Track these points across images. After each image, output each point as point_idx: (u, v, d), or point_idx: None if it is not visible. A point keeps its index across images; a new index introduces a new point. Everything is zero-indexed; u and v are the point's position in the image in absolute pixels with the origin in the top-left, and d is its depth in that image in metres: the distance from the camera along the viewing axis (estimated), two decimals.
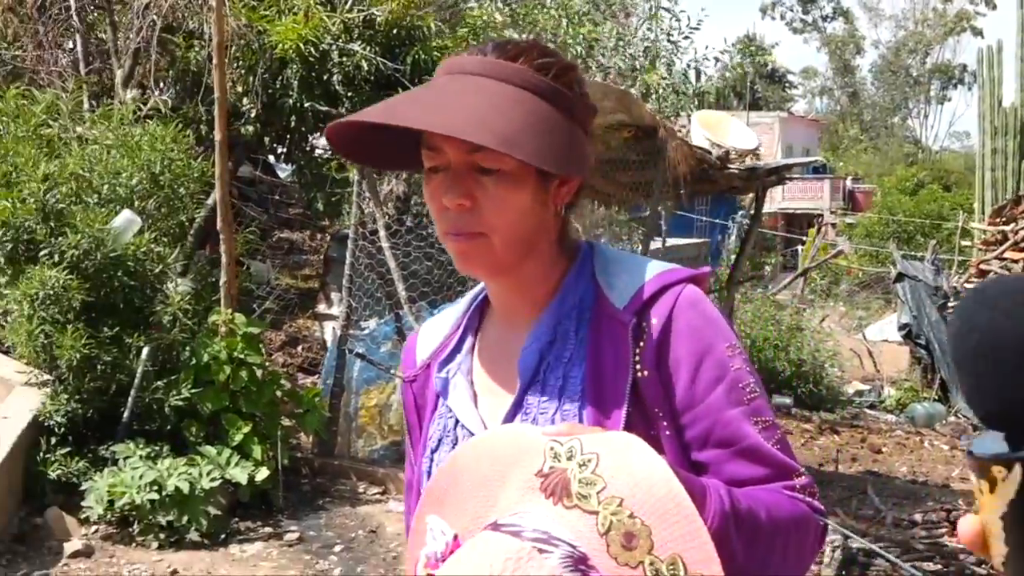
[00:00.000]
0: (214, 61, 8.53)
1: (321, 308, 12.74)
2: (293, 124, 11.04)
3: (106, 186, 8.46)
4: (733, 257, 14.35)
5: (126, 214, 8.14)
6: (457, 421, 1.92)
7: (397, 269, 8.62)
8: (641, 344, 1.78)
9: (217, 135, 8.32)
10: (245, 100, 10.89)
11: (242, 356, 8.04)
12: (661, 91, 12.99)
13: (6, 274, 7.61)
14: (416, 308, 8.92)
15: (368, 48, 10.54)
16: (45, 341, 7.39)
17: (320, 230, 15.40)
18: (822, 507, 1.82)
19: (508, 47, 1.81)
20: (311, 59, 10.40)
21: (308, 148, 12.31)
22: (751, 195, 11.67)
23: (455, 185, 1.74)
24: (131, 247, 7.90)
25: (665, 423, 1.77)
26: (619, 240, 13.45)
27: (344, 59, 10.50)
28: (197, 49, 11.03)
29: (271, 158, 14.19)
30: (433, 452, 1.94)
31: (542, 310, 1.88)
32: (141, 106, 10.45)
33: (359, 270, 9.27)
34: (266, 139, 11.75)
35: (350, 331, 9.34)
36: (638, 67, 13.21)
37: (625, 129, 7.42)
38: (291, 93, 10.70)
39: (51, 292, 7.31)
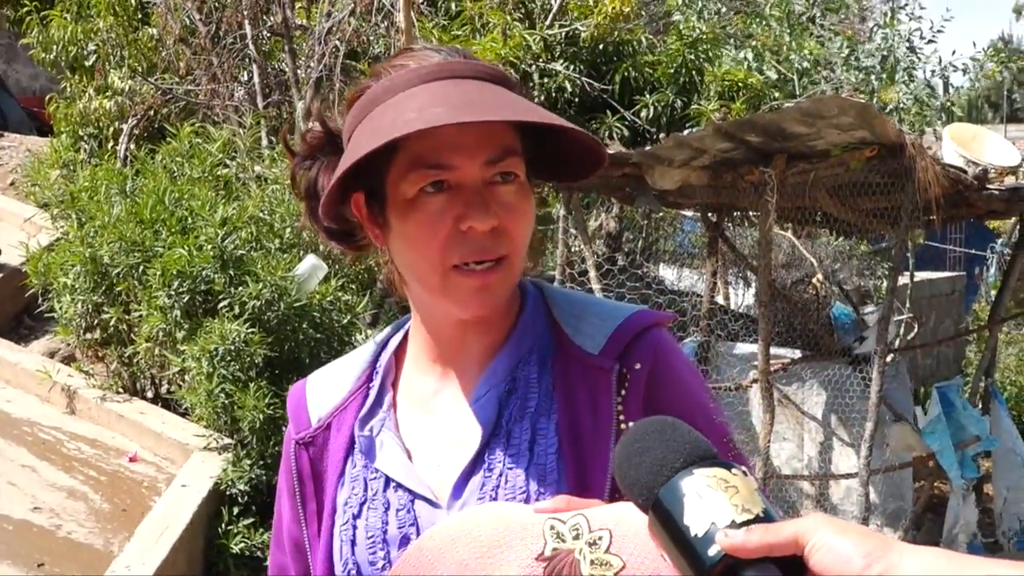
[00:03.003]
0: None
1: None
2: None
3: (288, 229, 8.57)
4: (994, 293, 13.92)
5: (310, 259, 8.23)
6: (388, 482, 1.86)
7: None
8: (622, 393, 1.79)
9: None
10: None
11: None
12: (902, 105, 12.71)
13: (183, 328, 7.74)
14: None
15: (572, 67, 10.54)
16: (226, 401, 7.42)
17: (522, 273, 15.48)
18: None
19: (463, 52, 1.82)
20: None
21: None
22: (1011, 222, 11.28)
23: (482, 203, 1.70)
24: (316, 296, 7.96)
25: None
26: (861, 275, 13.19)
27: (546, 80, 10.50)
28: None
29: None
30: (355, 518, 1.88)
31: (493, 354, 1.87)
32: None
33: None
34: None
35: None
36: (873, 83, 12.95)
37: (867, 148, 7.25)
38: None
39: (232, 347, 7.36)
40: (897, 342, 10.88)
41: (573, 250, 9.19)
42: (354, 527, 1.88)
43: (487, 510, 1.62)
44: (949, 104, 14.16)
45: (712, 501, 1.24)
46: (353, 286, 8.72)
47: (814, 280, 10.72)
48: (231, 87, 11.95)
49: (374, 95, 1.76)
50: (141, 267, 8.08)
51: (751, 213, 9.36)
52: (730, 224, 10.20)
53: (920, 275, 15.08)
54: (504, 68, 8.64)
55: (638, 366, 1.79)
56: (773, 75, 11.17)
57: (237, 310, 7.57)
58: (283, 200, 8.81)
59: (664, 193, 8.24)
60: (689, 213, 11.65)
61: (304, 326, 7.81)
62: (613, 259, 10.55)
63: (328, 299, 8.02)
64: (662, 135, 9.88)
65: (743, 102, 10.07)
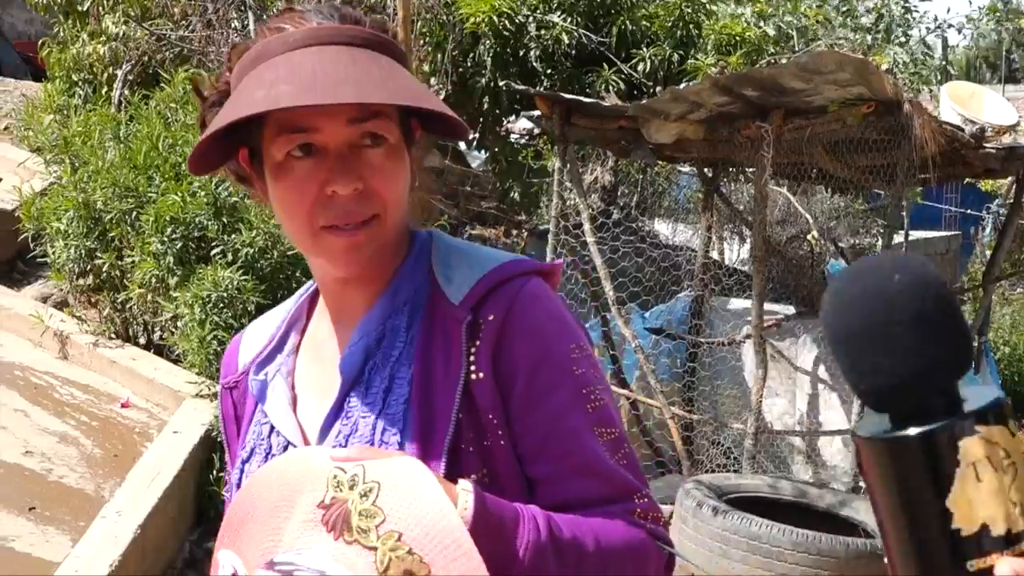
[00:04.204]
0: (399, 37, 8.55)
1: None
2: (486, 106, 11.06)
3: None
4: (988, 252, 13.92)
5: None
6: (272, 428, 1.91)
7: (604, 267, 8.54)
8: (476, 343, 1.77)
9: None
10: (433, 80, 10.94)
11: None
12: (899, 65, 12.67)
13: (176, 275, 7.73)
14: (625, 310, 8.84)
15: (569, 19, 10.50)
16: (218, 348, 7.38)
17: (516, 225, 15.44)
18: (666, 534, 1.77)
19: (343, 12, 1.81)
20: (506, 33, 10.39)
21: (503, 133, 12.32)
22: (1007, 181, 11.25)
23: (345, 167, 1.72)
24: None
25: (500, 432, 1.75)
26: (856, 233, 13.18)
27: (542, 32, 10.47)
28: None
29: (462, 145, 14.28)
30: (244, 463, 1.94)
31: (373, 304, 1.89)
32: None
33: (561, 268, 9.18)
34: None
35: None
36: (869, 42, 12.91)
37: (864, 104, 7.23)
38: (484, 72, 10.72)
39: (224, 294, 7.36)
40: None
41: (568, 203, 9.15)
42: (242, 471, 1.94)
43: (300, 454, 1.67)
44: (945, 64, 14.12)
45: (990, 490, 0.95)
46: None
47: (809, 237, 10.71)
48: (226, 33, 11.88)
49: (248, 60, 1.79)
50: (134, 213, 8.07)
51: (747, 169, 9.35)
52: (726, 179, 10.19)
53: (916, 234, 15.10)
54: (499, 21, 8.57)
55: (491, 316, 1.78)
56: (771, 31, 11.14)
57: (230, 257, 7.56)
58: None
59: (660, 147, 8.22)
60: (685, 168, 11.64)
61: (297, 274, 7.80)
62: (608, 212, 10.53)
63: None
64: (659, 89, 9.85)
65: (741, 57, 10.04)
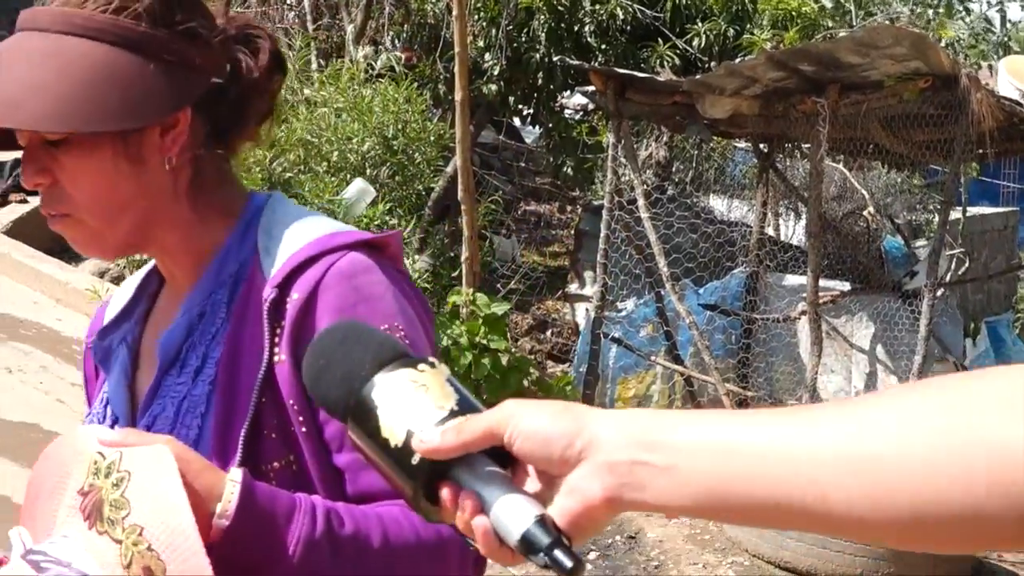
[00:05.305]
0: (454, 12, 8.53)
1: (572, 288, 12.73)
2: (540, 82, 11.04)
3: (336, 153, 8.57)
4: None
5: (358, 183, 8.22)
6: (108, 399, 1.87)
7: (658, 243, 8.51)
8: (281, 324, 1.68)
9: (457, 95, 8.28)
10: (487, 56, 10.93)
11: (485, 341, 7.95)
12: (959, 40, 12.55)
13: None
14: (680, 287, 8.80)
15: None
16: None
17: (571, 201, 15.40)
18: None
19: None
20: (560, 8, 10.37)
21: (557, 108, 12.29)
22: None
23: (29, 162, 1.70)
24: (364, 219, 7.95)
25: (302, 419, 1.67)
26: (913, 209, 13.08)
27: (597, 7, 10.43)
28: (434, 0, 11.17)
29: (516, 120, 14.25)
30: None
31: (198, 279, 1.81)
32: (373, 64, 10.62)
33: (615, 245, 9.15)
34: (510, 99, 11.63)
35: (605, 313, 9.26)
36: (930, 17, 12.79)
37: (920, 79, 7.17)
38: (538, 47, 10.69)
39: None
40: (948, 276, 10.80)
41: (622, 179, 9.12)
42: None
43: (72, 435, 1.59)
44: (1006, 39, 13.98)
45: (404, 406, 1.20)
46: (401, 210, 8.72)
47: (865, 213, 10.64)
48: (281, 9, 11.91)
49: None
50: None
51: (803, 144, 9.30)
52: (781, 155, 10.13)
53: (973, 210, 14.98)
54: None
55: (296, 295, 1.68)
56: (828, 3, 11.06)
57: None
58: (331, 123, 8.79)
59: (715, 122, 8.19)
60: (741, 144, 11.58)
61: None
62: (663, 188, 10.49)
63: (376, 223, 8.01)
64: (714, 64, 9.80)
65: (796, 31, 9.97)
